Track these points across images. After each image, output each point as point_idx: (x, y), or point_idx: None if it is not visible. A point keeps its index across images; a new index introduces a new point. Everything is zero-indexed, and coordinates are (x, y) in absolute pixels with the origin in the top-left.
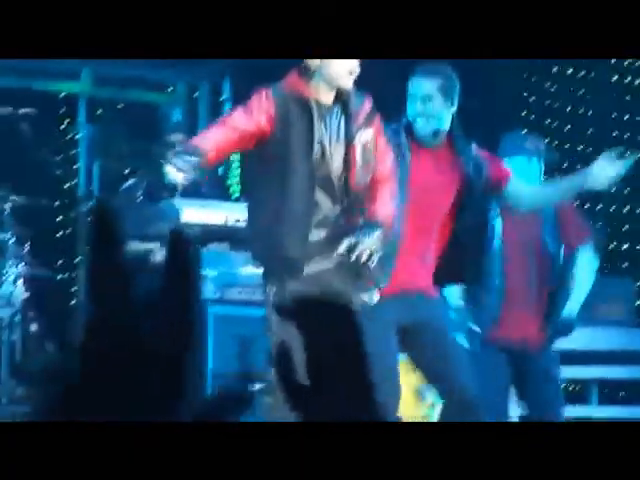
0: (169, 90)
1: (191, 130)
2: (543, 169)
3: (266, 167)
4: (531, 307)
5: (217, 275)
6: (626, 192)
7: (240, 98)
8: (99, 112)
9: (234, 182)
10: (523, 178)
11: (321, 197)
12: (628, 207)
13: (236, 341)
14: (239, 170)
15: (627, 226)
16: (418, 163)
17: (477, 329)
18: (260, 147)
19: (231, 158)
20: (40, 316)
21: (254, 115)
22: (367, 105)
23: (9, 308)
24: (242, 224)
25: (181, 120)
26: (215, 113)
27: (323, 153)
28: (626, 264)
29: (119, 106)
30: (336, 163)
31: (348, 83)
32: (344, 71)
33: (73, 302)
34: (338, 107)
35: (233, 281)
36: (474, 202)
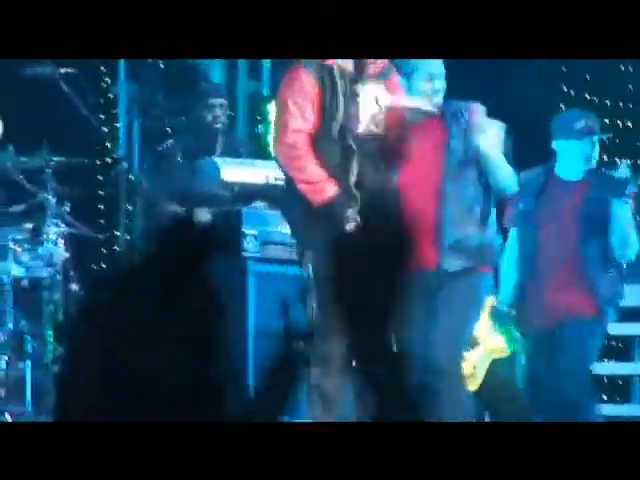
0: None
1: (230, 89)
2: (597, 148)
3: None
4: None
5: (258, 233)
6: None
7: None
8: (139, 71)
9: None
10: (575, 161)
11: None
12: None
13: (278, 299)
14: None
15: None
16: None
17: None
18: None
19: (268, 117)
20: (81, 276)
21: (307, 114)
22: (380, 63)
23: (50, 268)
24: (281, 182)
25: (220, 80)
26: (254, 72)
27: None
28: None
29: (161, 65)
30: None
31: None
32: None
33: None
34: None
35: (274, 239)
36: None
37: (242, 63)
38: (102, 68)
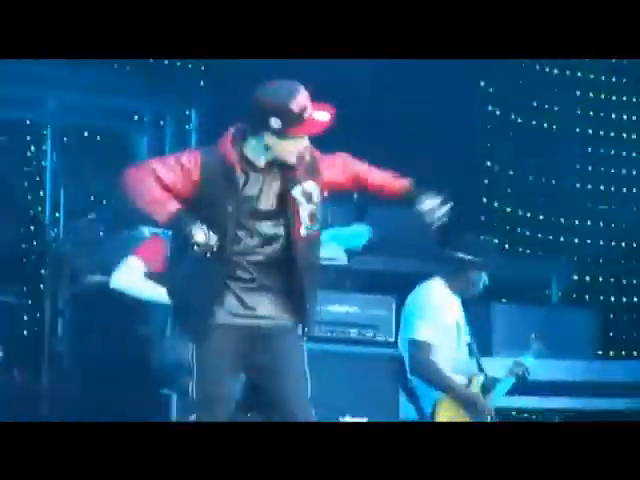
0: (135, 118)
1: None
2: None
3: None
4: None
5: None
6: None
7: (205, 127)
8: (65, 140)
9: None
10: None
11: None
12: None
13: None
14: None
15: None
16: None
17: None
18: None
19: None
20: (6, 342)
21: (179, 178)
22: (307, 157)
23: None
24: None
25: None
26: (180, 142)
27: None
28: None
29: (85, 134)
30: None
31: (292, 160)
32: (294, 150)
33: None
34: (273, 167)
35: None
36: None
37: (168, 131)
38: (28, 137)
